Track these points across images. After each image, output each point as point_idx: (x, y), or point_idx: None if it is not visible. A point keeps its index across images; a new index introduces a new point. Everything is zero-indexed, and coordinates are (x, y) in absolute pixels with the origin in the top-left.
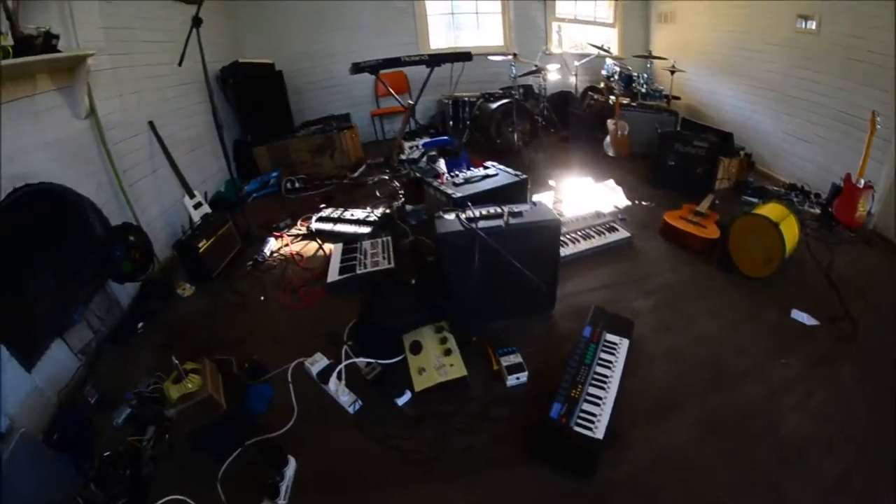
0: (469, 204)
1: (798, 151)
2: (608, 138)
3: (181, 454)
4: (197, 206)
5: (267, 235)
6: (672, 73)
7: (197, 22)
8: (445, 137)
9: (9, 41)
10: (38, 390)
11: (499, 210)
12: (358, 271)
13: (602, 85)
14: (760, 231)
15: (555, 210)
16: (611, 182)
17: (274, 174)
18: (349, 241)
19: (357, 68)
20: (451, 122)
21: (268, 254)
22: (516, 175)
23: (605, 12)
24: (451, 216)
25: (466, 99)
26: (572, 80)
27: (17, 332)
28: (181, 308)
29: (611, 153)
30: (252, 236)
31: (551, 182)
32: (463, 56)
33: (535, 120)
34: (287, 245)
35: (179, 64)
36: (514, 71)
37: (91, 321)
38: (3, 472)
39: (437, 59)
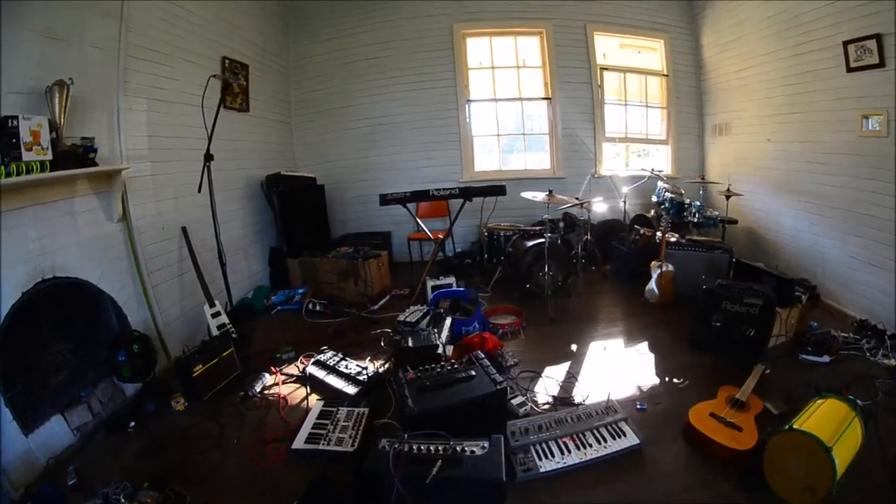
0: (405, 436)
1: (868, 279)
2: (651, 283)
3: None
4: (215, 315)
5: (262, 370)
6: (727, 197)
7: (208, 157)
8: (461, 289)
9: (48, 155)
10: (29, 452)
11: (439, 450)
12: (320, 445)
13: (652, 213)
14: (805, 454)
15: (561, 393)
16: (644, 347)
17: (300, 290)
18: (331, 401)
19: (384, 200)
20: (485, 255)
21: (258, 390)
22: (495, 383)
23: (658, 128)
24: (386, 445)
25: (502, 233)
26: (622, 205)
27: (25, 400)
28: (170, 420)
29: (652, 300)
30: (248, 368)
31: (573, 347)
32: (496, 190)
33: (572, 262)
34: (278, 384)
35: (199, 191)
36: (548, 211)
37: (93, 404)
38: None
39: (468, 193)
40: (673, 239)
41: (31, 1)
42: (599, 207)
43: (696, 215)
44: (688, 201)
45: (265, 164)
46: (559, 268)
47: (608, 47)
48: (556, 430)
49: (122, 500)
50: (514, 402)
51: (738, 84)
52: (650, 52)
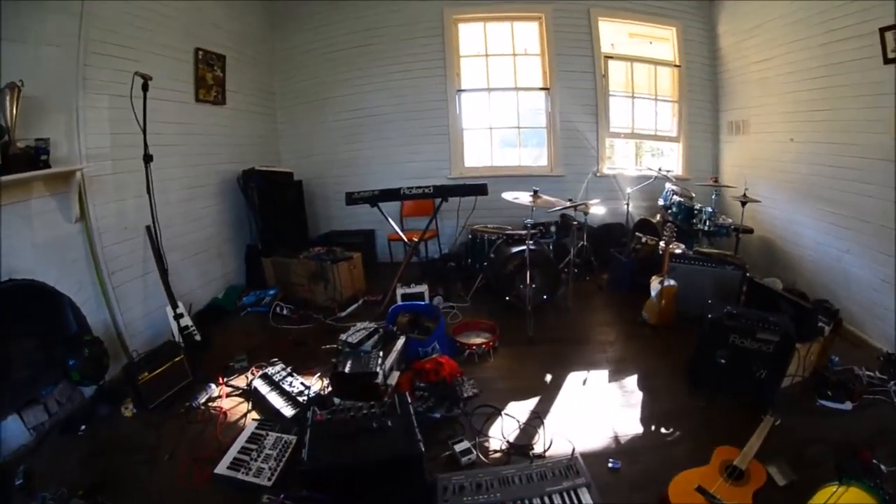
0: (281, 497)
1: None
2: (651, 299)
3: None
4: (178, 316)
5: (212, 380)
6: (743, 203)
7: (148, 158)
8: (424, 303)
9: None
10: None
11: None
12: (239, 474)
13: (658, 217)
14: None
15: (519, 439)
16: (632, 382)
17: (271, 292)
18: (265, 423)
19: (350, 199)
20: (469, 261)
21: (202, 402)
22: (412, 443)
23: (668, 123)
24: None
25: (486, 236)
26: (625, 207)
27: None
28: (118, 426)
29: (651, 321)
30: (198, 376)
31: (548, 378)
32: (476, 189)
33: (561, 272)
34: (221, 398)
35: (147, 191)
36: (531, 216)
37: (49, 404)
38: None
39: (443, 192)
40: (678, 251)
41: None
42: (599, 210)
43: (707, 223)
44: (698, 206)
45: (244, 159)
46: (545, 279)
47: (616, 36)
48: (496, 493)
49: None
50: (458, 447)
51: (757, 77)
52: (663, 43)
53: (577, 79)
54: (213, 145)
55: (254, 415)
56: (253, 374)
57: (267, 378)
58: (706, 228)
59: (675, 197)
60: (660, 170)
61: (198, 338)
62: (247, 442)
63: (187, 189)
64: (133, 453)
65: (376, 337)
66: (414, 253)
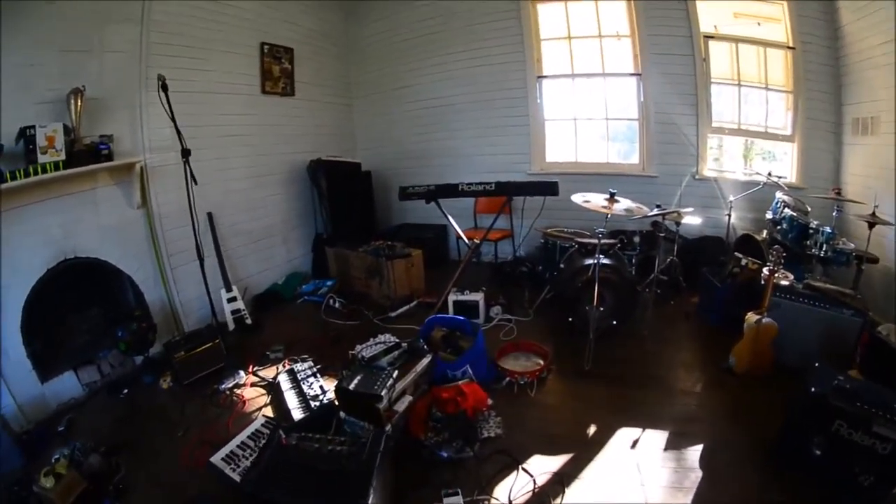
0: None
1: None
2: (745, 339)
3: None
4: (231, 300)
5: (243, 367)
6: (871, 225)
7: (186, 153)
8: (462, 318)
9: (61, 156)
10: (41, 396)
11: None
12: (228, 468)
13: (764, 234)
14: None
15: None
16: (693, 455)
17: (329, 283)
18: (271, 421)
19: (404, 194)
20: (539, 268)
21: (229, 386)
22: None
23: (781, 119)
24: None
25: (559, 242)
26: (725, 218)
27: (44, 355)
28: (154, 396)
29: (738, 368)
30: (231, 361)
31: (591, 430)
32: (545, 188)
33: (636, 292)
34: (245, 386)
35: (195, 183)
36: (605, 223)
37: (103, 366)
38: None
39: (507, 190)
40: (785, 282)
41: (51, 20)
42: (693, 219)
43: (824, 246)
44: (814, 225)
45: (317, 149)
46: (617, 300)
47: (719, 16)
48: None
49: (60, 459)
50: (448, 501)
51: (885, 61)
52: (773, 24)
53: (672, 62)
54: (282, 135)
55: (268, 411)
56: (285, 366)
57: (292, 374)
58: (821, 254)
59: (786, 210)
60: (769, 174)
61: (248, 321)
62: (248, 437)
63: (253, 178)
64: (157, 423)
65: (396, 353)
66: (474, 255)
